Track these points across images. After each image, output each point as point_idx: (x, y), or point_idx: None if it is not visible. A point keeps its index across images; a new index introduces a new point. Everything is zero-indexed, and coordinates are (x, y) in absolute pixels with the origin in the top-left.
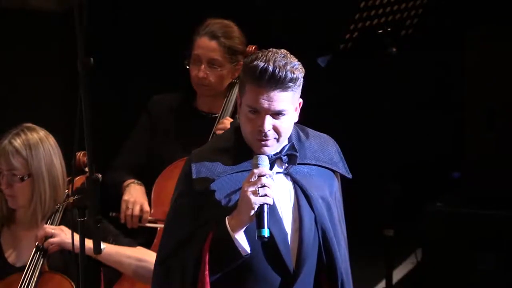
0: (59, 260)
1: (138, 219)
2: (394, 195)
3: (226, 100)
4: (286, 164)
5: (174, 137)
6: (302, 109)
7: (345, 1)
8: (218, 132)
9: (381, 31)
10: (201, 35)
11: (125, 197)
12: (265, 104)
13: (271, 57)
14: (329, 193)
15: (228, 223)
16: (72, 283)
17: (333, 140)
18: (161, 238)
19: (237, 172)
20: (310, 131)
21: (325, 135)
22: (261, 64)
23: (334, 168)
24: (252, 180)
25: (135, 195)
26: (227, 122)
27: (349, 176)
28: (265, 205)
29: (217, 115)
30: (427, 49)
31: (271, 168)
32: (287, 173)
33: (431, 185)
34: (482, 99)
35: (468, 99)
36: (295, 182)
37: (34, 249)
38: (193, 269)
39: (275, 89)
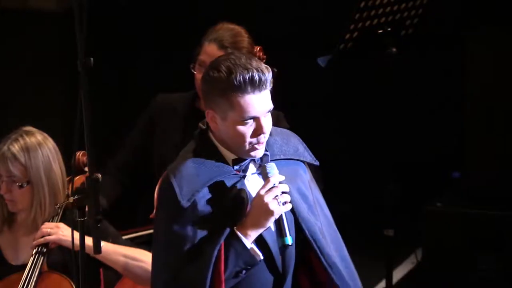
0: (58, 259)
1: None
2: (394, 195)
3: None
4: (259, 164)
5: (175, 137)
6: (302, 109)
7: (345, 1)
8: None
9: (381, 31)
10: (211, 41)
11: None
12: (261, 107)
13: (244, 63)
14: (302, 184)
15: (240, 233)
16: (72, 283)
17: (294, 133)
18: (157, 265)
19: (218, 179)
20: (272, 128)
21: (286, 129)
22: (244, 74)
23: (301, 158)
24: (270, 189)
25: None
26: None
27: (316, 163)
28: (283, 213)
29: None
30: (427, 49)
31: (246, 171)
32: (260, 173)
33: (431, 185)
34: (482, 99)
35: (468, 99)
36: None
37: (34, 250)
38: (206, 281)
39: (263, 90)
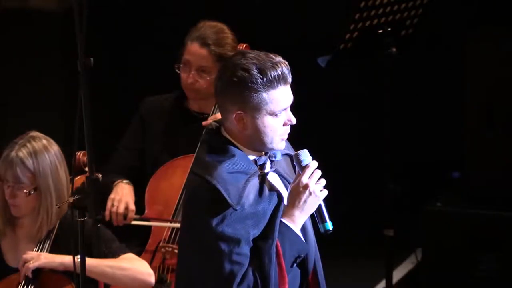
0: None
1: (123, 217)
2: (394, 195)
3: None
4: (271, 162)
5: (165, 137)
6: (302, 109)
7: (345, 1)
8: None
9: (381, 31)
10: (193, 40)
11: (112, 195)
12: (290, 98)
13: (267, 59)
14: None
15: (291, 223)
16: (72, 283)
17: None
18: (207, 273)
19: (253, 178)
20: None
21: None
22: (276, 69)
23: (289, 152)
24: (312, 175)
25: (121, 194)
26: (218, 116)
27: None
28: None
29: (208, 115)
30: (427, 49)
31: (265, 168)
32: (274, 170)
33: (431, 185)
34: (482, 99)
35: (468, 99)
36: (280, 175)
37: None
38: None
39: (289, 82)
